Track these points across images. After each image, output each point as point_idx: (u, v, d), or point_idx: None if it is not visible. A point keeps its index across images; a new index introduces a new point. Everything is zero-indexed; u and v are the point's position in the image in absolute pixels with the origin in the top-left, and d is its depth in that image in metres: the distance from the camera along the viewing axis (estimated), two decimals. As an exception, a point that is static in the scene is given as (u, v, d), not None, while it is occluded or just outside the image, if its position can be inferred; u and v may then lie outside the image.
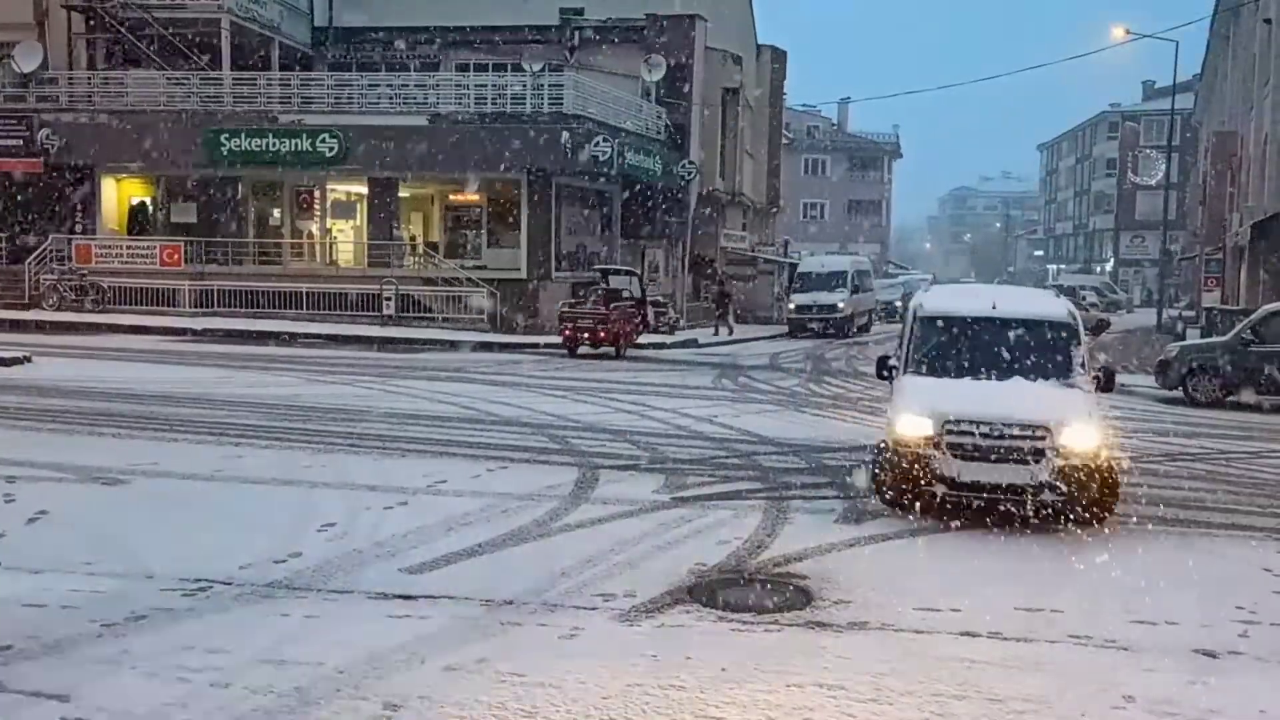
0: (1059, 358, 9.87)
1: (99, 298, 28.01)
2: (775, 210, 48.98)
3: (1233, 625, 6.94)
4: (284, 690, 5.52)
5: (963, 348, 10.05)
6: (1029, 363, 9.76)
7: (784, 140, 52.61)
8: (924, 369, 10.00)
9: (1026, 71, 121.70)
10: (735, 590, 7.39)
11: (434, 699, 5.49)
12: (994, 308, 10.23)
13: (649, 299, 27.25)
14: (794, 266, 41.74)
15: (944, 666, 6.11)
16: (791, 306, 36.25)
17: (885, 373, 10.64)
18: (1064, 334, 10.02)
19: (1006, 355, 9.79)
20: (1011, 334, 9.93)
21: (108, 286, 28.10)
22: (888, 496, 9.52)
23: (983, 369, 9.77)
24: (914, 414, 9.22)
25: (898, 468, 9.24)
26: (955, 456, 8.95)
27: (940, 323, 10.24)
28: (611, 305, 24.71)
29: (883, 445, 9.69)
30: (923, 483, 9.10)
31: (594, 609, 6.91)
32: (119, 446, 11.93)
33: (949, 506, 9.15)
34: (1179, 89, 45.32)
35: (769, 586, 7.51)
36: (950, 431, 8.98)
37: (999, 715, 5.53)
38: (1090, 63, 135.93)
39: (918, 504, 9.21)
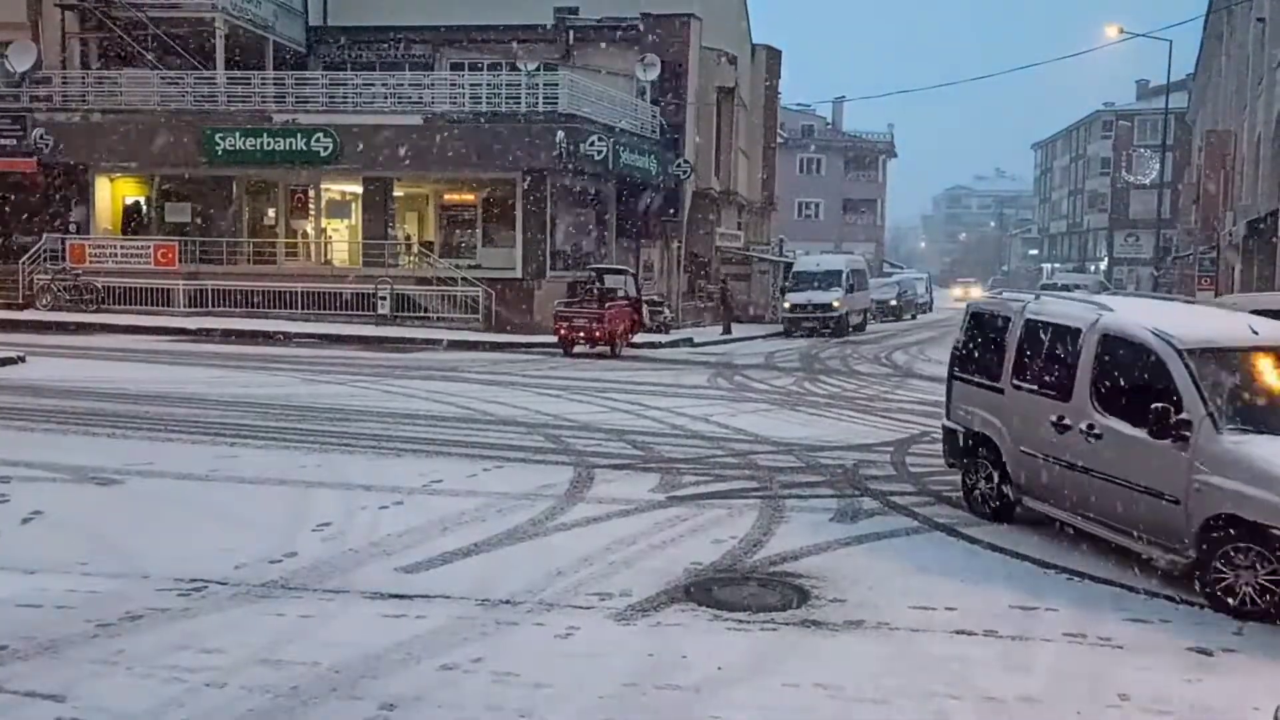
0: None
1: (93, 297, 27.94)
2: (770, 209, 48.97)
3: (1227, 623, 6.96)
4: (280, 690, 5.53)
5: (1261, 391, 8.09)
6: None
7: (779, 139, 52.59)
8: (1246, 424, 7.60)
9: (1021, 70, 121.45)
10: (731, 589, 7.40)
11: (429, 699, 5.50)
12: (1257, 334, 8.38)
13: (644, 298, 27.25)
14: (789, 265, 41.74)
15: (940, 665, 6.13)
16: (786, 305, 36.19)
17: (1173, 431, 7.63)
18: None
19: None
20: None
21: (102, 286, 28.00)
22: None
23: None
24: None
25: None
26: None
27: (1214, 360, 7.96)
28: (607, 304, 24.71)
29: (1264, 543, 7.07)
30: None
31: (590, 608, 6.92)
32: (114, 446, 11.91)
33: None
34: (1173, 88, 45.42)
35: (765, 585, 7.53)
36: None
37: (994, 714, 5.54)
38: (1084, 62, 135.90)
39: None
